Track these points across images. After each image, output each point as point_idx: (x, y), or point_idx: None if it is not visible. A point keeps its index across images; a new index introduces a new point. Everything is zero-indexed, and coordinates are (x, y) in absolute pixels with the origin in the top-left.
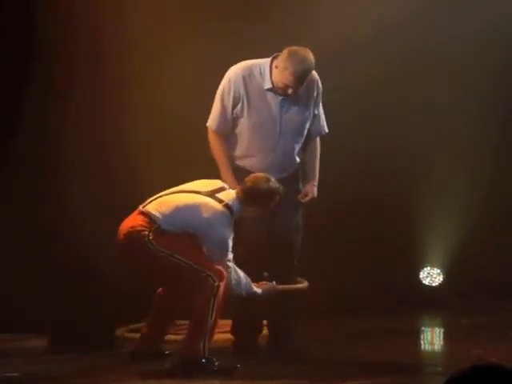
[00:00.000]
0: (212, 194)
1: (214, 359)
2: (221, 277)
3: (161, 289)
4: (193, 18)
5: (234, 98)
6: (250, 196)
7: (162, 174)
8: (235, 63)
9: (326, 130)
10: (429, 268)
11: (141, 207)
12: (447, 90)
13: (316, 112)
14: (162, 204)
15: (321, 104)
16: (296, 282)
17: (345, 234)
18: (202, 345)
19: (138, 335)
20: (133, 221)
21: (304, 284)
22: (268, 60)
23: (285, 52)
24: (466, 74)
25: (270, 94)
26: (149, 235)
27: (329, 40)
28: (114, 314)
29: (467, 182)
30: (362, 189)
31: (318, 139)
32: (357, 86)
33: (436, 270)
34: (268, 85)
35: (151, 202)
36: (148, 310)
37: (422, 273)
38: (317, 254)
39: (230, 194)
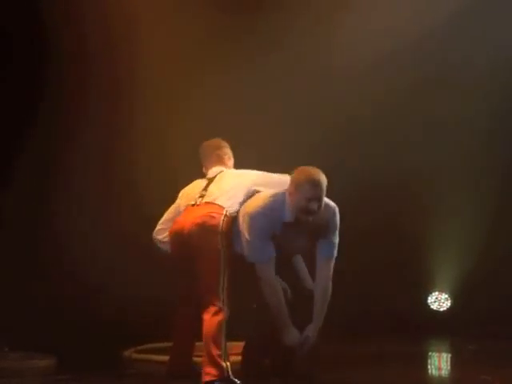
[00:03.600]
0: None
1: (237, 381)
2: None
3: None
4: (207, 58)
5: (266, 228)
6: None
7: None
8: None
9: (335, 255)
10: (437, 293)
11: (198, 202)
12: (459, 116)
13: (333, 239)
14: (216, 190)
15: (337, 232)
16: None
17: (354, 258)
18: (224, 364)
19: (145, 356)
20: (203, 210)
21: None
22: (283, 193)
23: (292, 177)
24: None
25: (287, 227)
26: (222, 224)
27: (337, 64)
28: (122, 335)
29: (476, 208)
30: (371, 215)
31: (331, 263)
32: (363, 114)
33: (444, 295)
34: (288, 218)
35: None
36: (156, 332)
37: (429, 298)
38: None
39: None
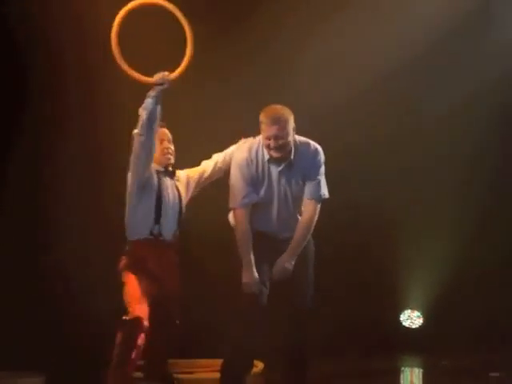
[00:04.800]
0: None
1: None
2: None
3: None
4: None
5: (246, 176)
6: None
7: None
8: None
9: (326, 195)
10: (409, 311)
11: None
12: (431, 145)
13: (316, 178)
14: None
15: (322, 171)
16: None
17: (327, 276)
18: None
19: None
20: None
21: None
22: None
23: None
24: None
25: (271, 167)
26: None
27: (313, 102)
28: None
29: (449, 227)
30: (345, 235)
31: (317, 206)
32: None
33: (416, 313)
34: (267, 156)
35: None
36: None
37: (402, 315)
38: None
39: None
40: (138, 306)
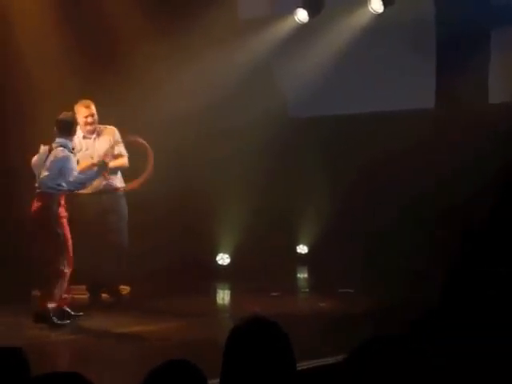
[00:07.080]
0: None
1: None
2: None
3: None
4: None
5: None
6: (63, 125)
7: None
8: None
9: (126, 154)
10: (221, 254)
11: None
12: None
13: (120, 144)
14: None
15: (121, 144)
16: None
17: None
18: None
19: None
20: None
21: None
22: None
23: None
24: None
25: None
26: None
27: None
28: (32, 276)
29: (248, 191)
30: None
31: (126, 159)
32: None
33: (226, 255)
34: (81, 134)
35: None
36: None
37: (217, 257)
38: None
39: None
40: (69, 255)
